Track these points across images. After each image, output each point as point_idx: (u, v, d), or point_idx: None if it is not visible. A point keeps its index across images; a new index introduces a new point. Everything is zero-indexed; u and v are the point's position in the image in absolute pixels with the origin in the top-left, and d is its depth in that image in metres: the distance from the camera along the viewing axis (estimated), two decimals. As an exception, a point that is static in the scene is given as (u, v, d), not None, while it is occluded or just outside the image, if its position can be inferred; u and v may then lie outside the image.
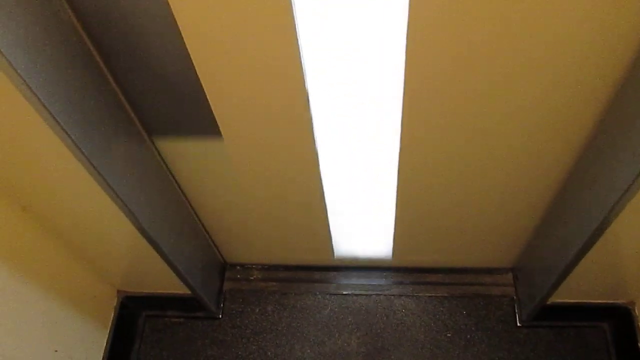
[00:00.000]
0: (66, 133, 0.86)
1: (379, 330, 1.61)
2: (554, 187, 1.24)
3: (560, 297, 1.44)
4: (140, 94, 1.02)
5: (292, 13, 0.79)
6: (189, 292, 1.51)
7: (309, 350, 1.60)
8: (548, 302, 1.47)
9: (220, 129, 1.07)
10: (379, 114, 1.04)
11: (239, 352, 1.61)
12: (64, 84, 0.84)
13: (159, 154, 1.19)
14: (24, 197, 1.13)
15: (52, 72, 0.81)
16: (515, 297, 1.61)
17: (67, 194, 1.13)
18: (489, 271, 1.65)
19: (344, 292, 1.66)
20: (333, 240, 1.54)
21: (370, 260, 1.66)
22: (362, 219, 1.45)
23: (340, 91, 0.98)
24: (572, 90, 0.95)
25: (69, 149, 0.90)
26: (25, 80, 0.75)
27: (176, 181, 1.30)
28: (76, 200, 1.15)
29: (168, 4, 0.79)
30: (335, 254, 1.64)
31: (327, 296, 1.67)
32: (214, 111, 1.02)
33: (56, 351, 1.30)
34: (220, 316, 1.66)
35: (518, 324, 1.59)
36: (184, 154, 1.20)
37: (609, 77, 0.90)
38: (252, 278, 1.70)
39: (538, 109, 0.99)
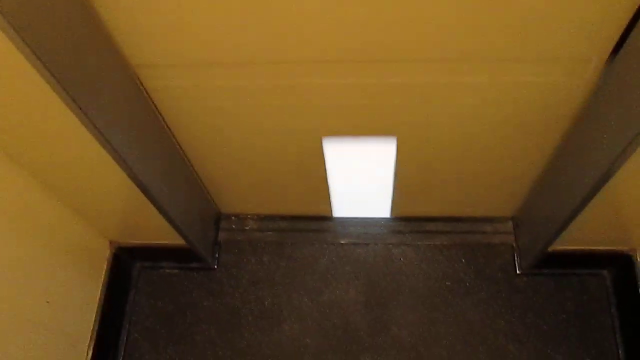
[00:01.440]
0: (53, 76, 0.80)
1: (377, 280, 1.60)
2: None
3: (561, 244, 1.42)
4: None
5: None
6: (184, 242, 1.48)
7: (306, 300, 1.59)
8: (548, 250, 1.45)
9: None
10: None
11: (236, 303, 1.60)
12: (50, 28, 0.78)
13: (151, 98, 1.13)
14: (9, 145, 1.07)
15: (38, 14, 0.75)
16: (515, 246, 1.60)
17: (55, 141, 1.08)
18: (489, 220, 1.62)
19: (342, 242, 1.64)
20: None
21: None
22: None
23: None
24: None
25: (55, 92, 0.84)
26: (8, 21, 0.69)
27: (169, 128, 1.24)
28: (64, 147, 1.10)
29: None
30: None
31: (325, 246, 1.64)
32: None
33: (48, 302, 1.28)
34: (216, 267, 1.64)
35: (518, 272, 1.58)
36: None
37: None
38: (247, 228, 1.67)
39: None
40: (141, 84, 1.07)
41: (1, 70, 0.86)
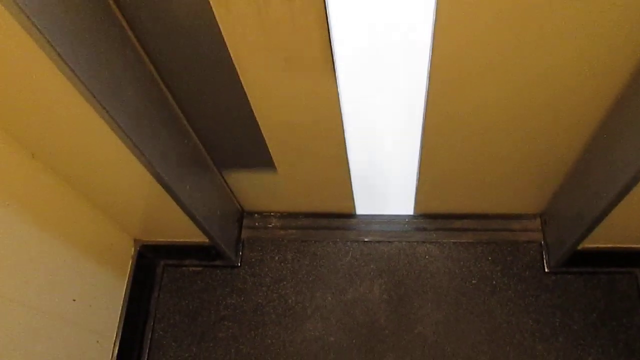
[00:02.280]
0: (75, 74, 0.80)
1: (401, 278, 1.58)
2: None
3: (591, 242, 1.39)
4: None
5: None
6: (207, 240, 1.48)
7: (330, 298, 1.58)
8: (578, 248, 1.41)
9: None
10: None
11: (259, 301, 1.59)
12: (73, 24, 0.78)
13: (172, 96, 1.13)
14: (33, 144, 1.08)
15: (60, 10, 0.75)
16: (543, 243, 1.56)
17: (78, 139, 1.08)
18: (517, 217, 1.59)
19: (365, 239, 1.62)
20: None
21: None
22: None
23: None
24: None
25: (78, 90, 0.84)
26: (31, 20, 0.69)
27: (191, 126, 1.24)
28: (87, 145, 1.10)
29: None
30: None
31: (348, 243, 1.63)
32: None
33: (74, 300, 1.28)
34: (239, 264, 1.63)
35: (546, 270, 1.54)
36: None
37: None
38: (270, 226, 1.66)
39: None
40: (165, 85, 1.07)
41: (20, 67, 0.86)
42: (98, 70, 0.86)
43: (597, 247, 1.43)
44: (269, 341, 1.54)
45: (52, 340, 1.21)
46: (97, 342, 1.40)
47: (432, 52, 0.94)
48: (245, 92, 1.09)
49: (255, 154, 1.35)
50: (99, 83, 0.86)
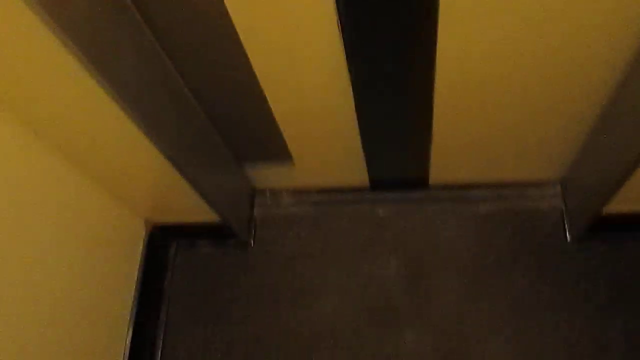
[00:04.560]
0: (79, 46, 0.77)
1: (418, 252, 1.54)
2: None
3: (615, 206, 1.33)
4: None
5: None
6: (219, 219, 1.46)
7: (345, 275, 1.54)
8: (601, 214, 1.36)
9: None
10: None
11: (273, 279, 1.57)
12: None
13: (179, 74, 1.10)
14: (34, 121, 1.05)
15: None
16: (564, 211, 1.51)
17: (82, 116, 1.06)
18: (536, 184, 1.54)
19: (380, 214, 1.58)
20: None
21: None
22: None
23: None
24: None
25: (82, 64, 0.82)
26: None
27: (200, 103, 1.21)
28: (93, 123, 1.08)
29: None
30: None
31: (363, 218, 1.59)
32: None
33: (86, 284, 1.27)
34: (252, 243, 1.61)
35: (568, 239, 1.49)
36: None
37: None
38: (283, 203, 1.63)
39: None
40: (163, 51, 1.03)
41: (27, 47, 0.84)
42: (100, 43, 0.83)
43: (622, 211, 1.37)
44: (284, 320, 1.52)
45: (64, 326, 1.19)
46: (111, 326, 1.38)
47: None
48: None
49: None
50: (99, 55, 0.83)
